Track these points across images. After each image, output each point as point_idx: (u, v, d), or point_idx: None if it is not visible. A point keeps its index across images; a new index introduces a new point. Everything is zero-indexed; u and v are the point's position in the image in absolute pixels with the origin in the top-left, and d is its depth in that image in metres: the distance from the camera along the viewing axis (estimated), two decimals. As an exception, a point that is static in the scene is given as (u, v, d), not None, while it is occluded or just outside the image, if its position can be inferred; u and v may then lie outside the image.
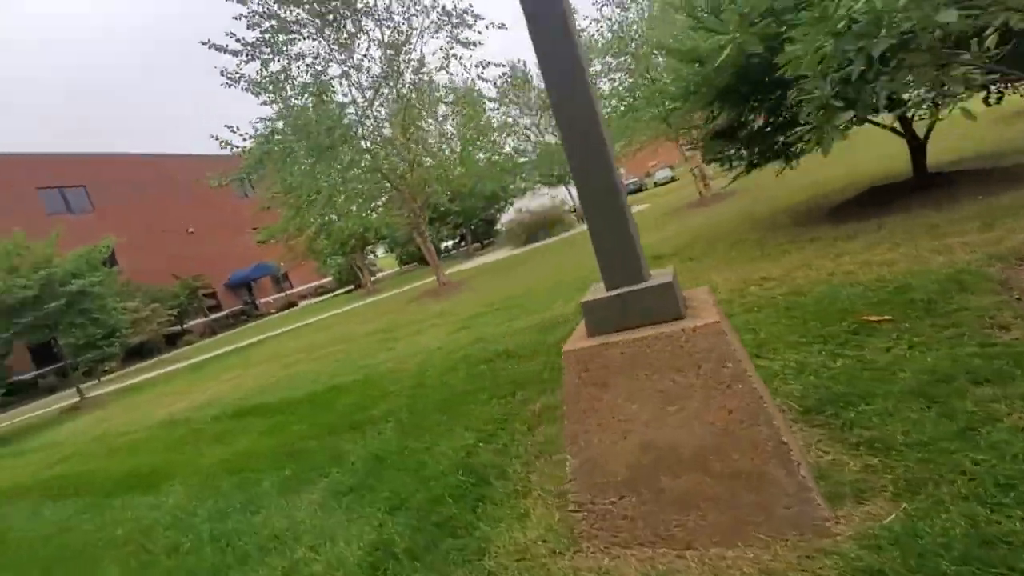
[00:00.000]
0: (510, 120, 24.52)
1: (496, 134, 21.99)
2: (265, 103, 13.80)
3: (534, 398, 3.55)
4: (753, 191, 13.64)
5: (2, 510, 5.29)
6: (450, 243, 43.44)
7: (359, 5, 12.65)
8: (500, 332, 5.76)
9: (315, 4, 12.28)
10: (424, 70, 13.16)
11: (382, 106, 13.40)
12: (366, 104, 12.97)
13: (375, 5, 12.84)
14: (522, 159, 28.00)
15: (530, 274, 11.09)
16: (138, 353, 27.04)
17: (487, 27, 12.02)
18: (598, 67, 16.48)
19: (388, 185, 14.56)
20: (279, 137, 12.84)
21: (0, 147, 29.79)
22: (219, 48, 11.75)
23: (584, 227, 18.93)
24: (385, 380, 5.38)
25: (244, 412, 6.11)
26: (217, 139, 12.73)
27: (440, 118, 14.36)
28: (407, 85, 13.00)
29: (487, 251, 29.80)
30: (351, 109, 13.31)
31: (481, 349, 5.21)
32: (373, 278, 38.85)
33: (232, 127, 12.64)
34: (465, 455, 3.01)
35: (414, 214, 14.28)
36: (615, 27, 14.80)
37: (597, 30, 15.41)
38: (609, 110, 23.99)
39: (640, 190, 44.43)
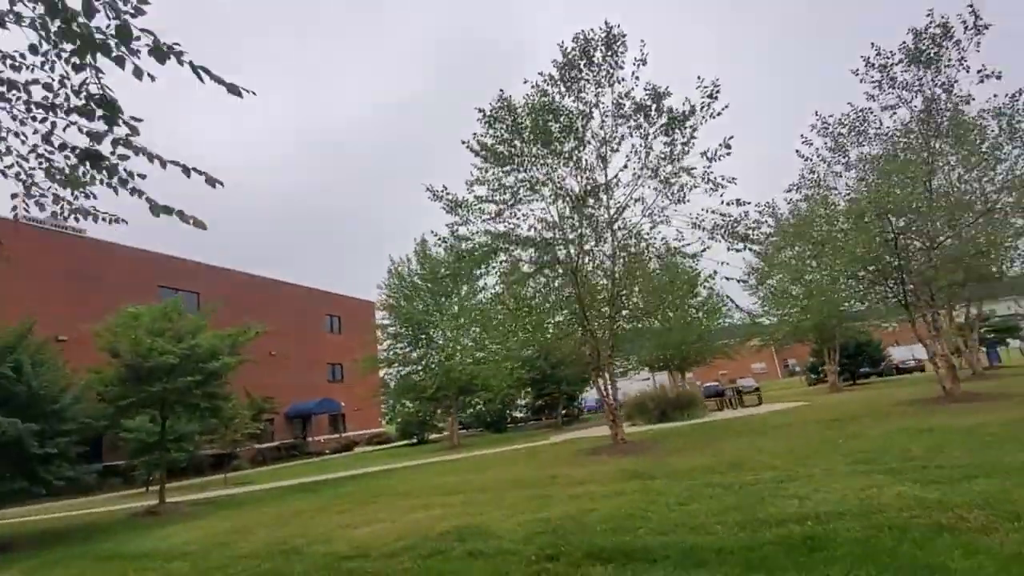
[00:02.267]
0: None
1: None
2: (456, 222, 13.76)
3: None
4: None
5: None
6: (519, 413, 40.20)
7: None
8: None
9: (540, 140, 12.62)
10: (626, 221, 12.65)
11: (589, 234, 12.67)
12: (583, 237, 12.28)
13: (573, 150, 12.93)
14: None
15: (741, 446, 8.54)
16: (181, 470, 24.00)
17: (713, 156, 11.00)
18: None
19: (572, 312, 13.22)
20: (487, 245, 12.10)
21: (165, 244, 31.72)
22: (473, 150, 11.99)
23: (726, 414, 15.74)
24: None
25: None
26: (435, 234, 12.25)
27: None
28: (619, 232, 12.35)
29: (580, 426, 26.64)
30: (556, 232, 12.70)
31: None
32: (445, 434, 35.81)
33: (450, 233, 12.16)
34: None
35: (598, 351, 12.48)
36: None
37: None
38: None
39: (722, 394, 41.89)
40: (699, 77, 10.09)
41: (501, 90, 13.25)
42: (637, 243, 11.97)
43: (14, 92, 3.95)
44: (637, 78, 11.92)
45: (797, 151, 13.04)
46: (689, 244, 12.29)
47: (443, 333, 24.59)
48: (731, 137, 9.36)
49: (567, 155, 12.60)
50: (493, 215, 13.69)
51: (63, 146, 3.66)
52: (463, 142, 12.54)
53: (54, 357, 9.62)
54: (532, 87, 12.76)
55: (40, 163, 4.45)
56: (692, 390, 21.18)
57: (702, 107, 10.20)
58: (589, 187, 12.67)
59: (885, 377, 31.37)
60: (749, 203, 10.13)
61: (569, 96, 12.87)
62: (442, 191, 13.61)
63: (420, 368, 24.37)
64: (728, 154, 10.10)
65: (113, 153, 3.67)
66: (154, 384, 10.97)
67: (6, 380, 8.31)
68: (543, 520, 5.05)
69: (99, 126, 3.73)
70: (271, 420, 35.02)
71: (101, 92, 3.54)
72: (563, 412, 31.00)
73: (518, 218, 13.06)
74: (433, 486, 9.30)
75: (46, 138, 3.67)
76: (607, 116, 12.59)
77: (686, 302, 11.61)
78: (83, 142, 3.82)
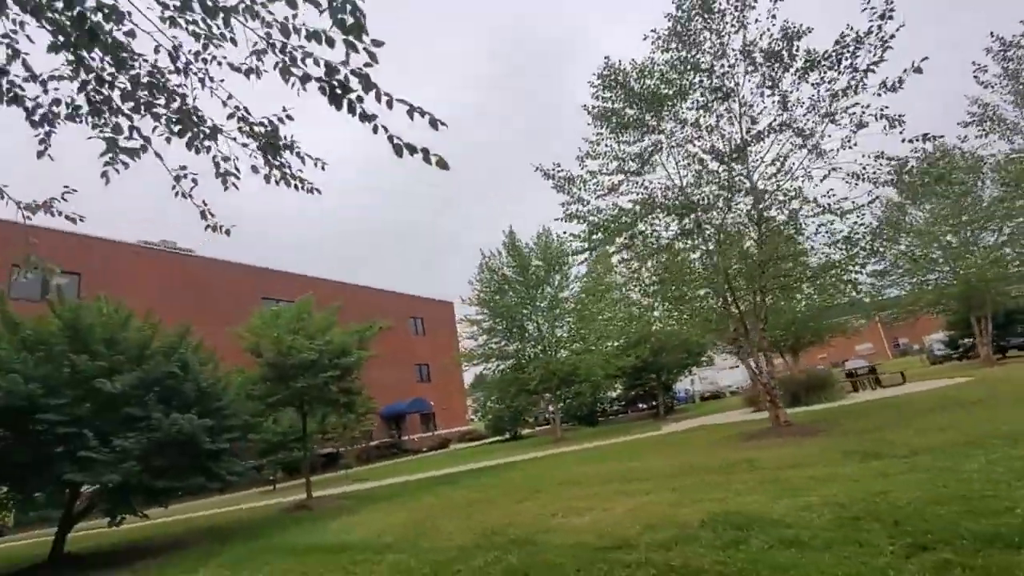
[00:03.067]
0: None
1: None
2: (567, 201, 13.14)
3: None
4: None
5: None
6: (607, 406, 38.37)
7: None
8: None
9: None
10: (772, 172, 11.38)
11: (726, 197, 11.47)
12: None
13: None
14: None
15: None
16: (296, 469, 25.02)
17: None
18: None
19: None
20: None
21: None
22: (601, 116, 11.30)
23: (865, 395, 13.40)
24: None
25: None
26: (564, 207, 11.63)
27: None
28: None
29: (679, 416, 25.00)
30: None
31: None
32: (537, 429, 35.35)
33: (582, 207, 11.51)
34: None
35: (746, 325, 11.30)
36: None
37: None
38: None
39: (853, 375, 38.10)
40: (866, -3, 8.62)
41: (607, 57, 12.48)
42: (786, 203, 10.67)
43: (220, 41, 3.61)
44: (774, 16, 10.65)
45: (975, 77, 11.14)
46: (845, 199, 10.89)
47: (536, 326, 24.05)
48: (924, 59, 7.89)
49: (702, 110, 11.54)
50: (607, 190, 12.97)
51: (306, 78, 3.23)
52: (583, 106, 11.88)
53: (213, 356, 9.87)
54: (651, 43, 11.87)
55: (241, 127, 4.15)
56: (828, 372, 19.19)
57: (870, 31, 8.71)
58: (731, 146, 11.51)
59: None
60: (941, 136, 8.55)
61: (687, 50, 11.83)
62: (553, 169, 13.08)
63: (515, 361, 23.95)
64: (902, 81, 8.51)
65: (359, 84, 3.20)
66: (297, 380, 11.08)
67: (174, 379, 8.50)
68: (819, 505, 4.16)
69: (337, 55, 3.27)
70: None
71: (354, 5, 3.05)
72: (663, 403, 29.28)
73: (642, 187, 12.19)
74: (592, 474, 8.60)
75: (286, 71, 3.26)
76: (737, 65, 11.41)
77: (856, 265, 10.10)
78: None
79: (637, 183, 12.46)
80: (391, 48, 3.22)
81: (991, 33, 10.83)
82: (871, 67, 8.46)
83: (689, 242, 11.29)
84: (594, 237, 11.28)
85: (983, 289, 19.95)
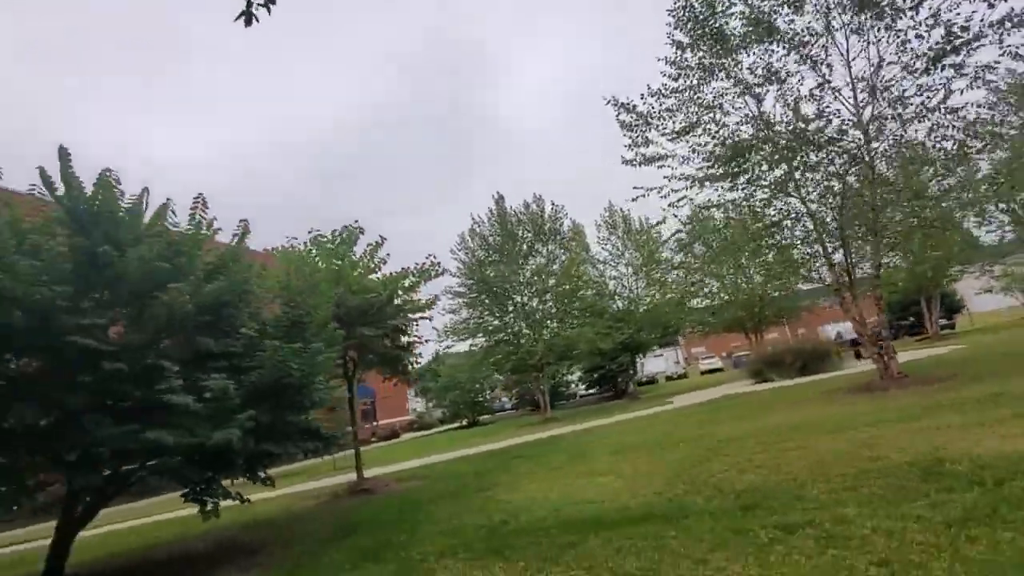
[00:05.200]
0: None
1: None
2: (633, 141, 12.13)
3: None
4: None
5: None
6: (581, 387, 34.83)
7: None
8: None
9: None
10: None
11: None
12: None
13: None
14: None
15: None
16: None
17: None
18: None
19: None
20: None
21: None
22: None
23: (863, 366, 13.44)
24: None
25: None
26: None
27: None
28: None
29: (644, 401, 24.50)
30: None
31: None
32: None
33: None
34: None
35: (850, 272, 10.76)
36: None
37: None
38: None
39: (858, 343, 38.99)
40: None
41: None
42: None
43: None
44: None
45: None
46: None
47: (522, 299, 22.30)
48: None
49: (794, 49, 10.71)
50: (675, 134, 12.06)
51: None
52: (667, 35, 10.76)
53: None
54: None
55: None
56: (827, 343, 19.90)
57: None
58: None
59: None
60: None
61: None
62: (628, 101, 11.98)
63: (504, 336, 22.01)
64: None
65: None
66: (356, 329, 8.44)
67: (232, 308, 5.63)
68: None
69: None
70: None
71: None
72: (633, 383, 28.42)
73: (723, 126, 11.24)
74: (751, 431, 7.29)
75: None
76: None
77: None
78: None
79: (715, 123, 11.62)
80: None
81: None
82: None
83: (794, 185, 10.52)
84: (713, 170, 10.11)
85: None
